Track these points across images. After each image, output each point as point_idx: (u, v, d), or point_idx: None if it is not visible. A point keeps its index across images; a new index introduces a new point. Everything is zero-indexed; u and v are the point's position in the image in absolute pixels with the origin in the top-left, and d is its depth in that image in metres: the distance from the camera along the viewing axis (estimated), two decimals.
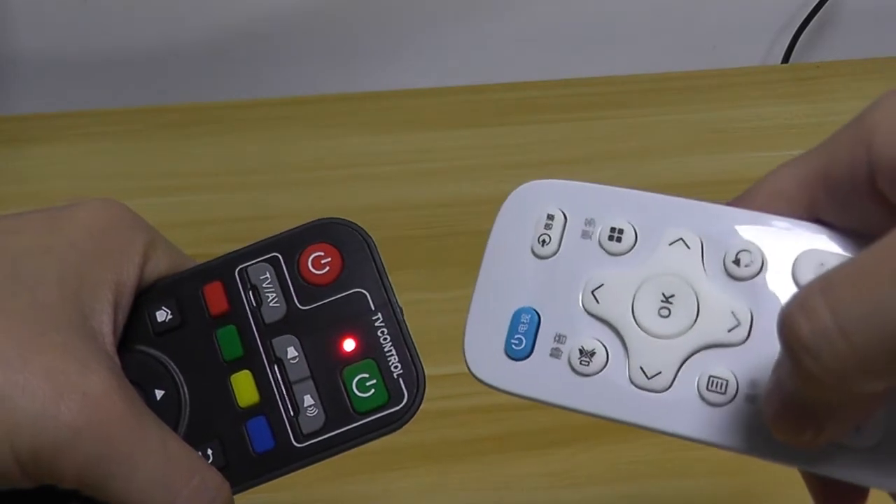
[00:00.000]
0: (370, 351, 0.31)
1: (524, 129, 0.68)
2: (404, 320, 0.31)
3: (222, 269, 0.32)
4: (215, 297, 0.31)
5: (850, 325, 0.21)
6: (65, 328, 0.28)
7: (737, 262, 0.27)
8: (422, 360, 0.31)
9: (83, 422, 0.26)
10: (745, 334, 0.27)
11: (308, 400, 0.30)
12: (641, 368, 0.27)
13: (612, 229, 0.29)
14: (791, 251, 0.27)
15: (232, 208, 0.64)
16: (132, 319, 0.31)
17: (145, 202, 0.64)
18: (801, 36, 0.76)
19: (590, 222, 0.29)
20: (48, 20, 0.73)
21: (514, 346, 0.29)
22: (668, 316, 0.28)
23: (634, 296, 0.28)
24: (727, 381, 0.27)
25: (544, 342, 0.29)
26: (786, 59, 0.77)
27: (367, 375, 0.30)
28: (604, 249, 0.29)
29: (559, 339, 0.28)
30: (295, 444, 0.30)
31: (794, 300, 0.22)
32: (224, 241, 0.62)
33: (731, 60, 0.75)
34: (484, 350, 0.29)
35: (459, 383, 0.56)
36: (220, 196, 0.64)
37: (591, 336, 0.28)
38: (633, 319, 0.28)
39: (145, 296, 0.31)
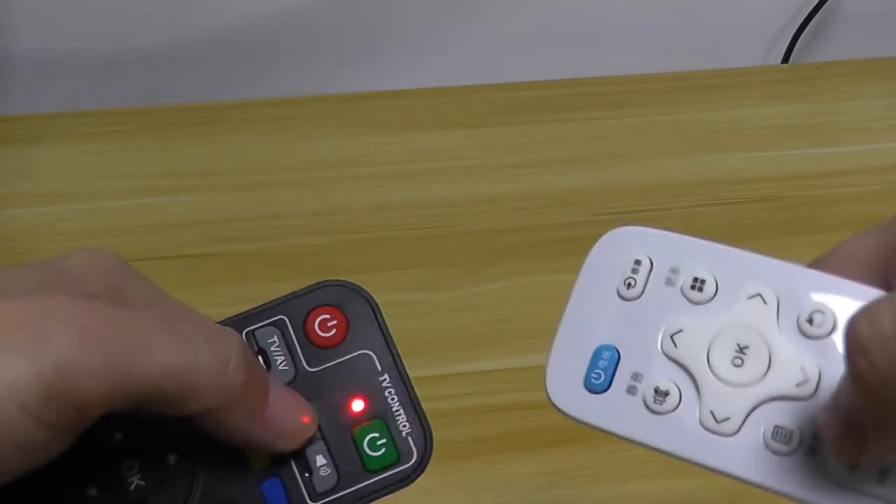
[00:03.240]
0: (379, 411, 0.32)
1: (524, 129, 0.68)
2: (410, 380, 0.32)
3: None
4: None
5: None
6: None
7: (810, 321, 0.29)
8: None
9: (80, 339, 0.25)
10: (812, 390, 0.28)
11: (320, 460, 0.31)
12: (711, 412, 0.29)
13: (695, 279, 0.30)
14: None
15: (232, 208, 0.64)
16: None
17: (145, 202, 0.65)
18: (801, 36, 0.76)
19: (674, 270, 0.31)
20: (48, 20, 0.73)
21: (593, 380, 0.30)
22: (740, 365, 0.29)
23: (711, 343, 0.29)
24: (792, 432, 0.28)
25: (622, 379, 0.30)
26: (786, 59, 0.77)
27: (377, 435, 0.31)
28: (685, 297, 0.30)
29: (636, 377, 0.30)
30: (309, 502, 0.31)
31: (865, 307, 0.24)
32: (224, 241, 0.63)
33: (731, 60, 0.75)
34: (564, 381, 0.31)
35: (459, 383, 0.56)
36: (220, 196, 0.64)
37: (667, 377, 0.30)
38: (707, 365, 0.29)
39: None
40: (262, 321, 0.32)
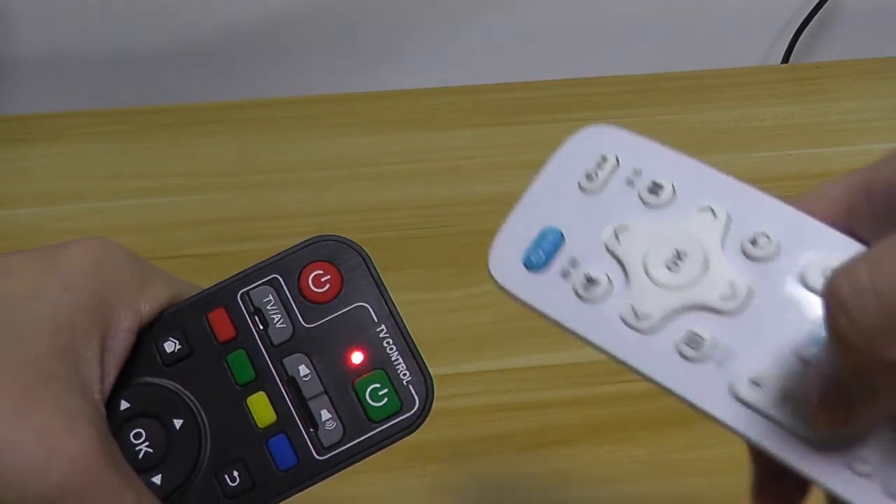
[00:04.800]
0: (378, 361, 0.32)
1: (524, 129, 0.68)
2: (407, 329, 0.32)
3: (224, 295, 0.33)
4: (221, 324, 0.32)
5: (884, 285, 0.23)
6: (55, 382, 0.28)
7: (753, 242, 0.29)
8: (427, 364, 0.32)
9: (69, 483, 0.27)
10: (736, 307, 0.29)
11: (325, 414, 0.31)
12: (633, 308, 0.29)
13: (654, 183, 0.31)
14: (808, 252, 0.29)
15: (232, 208, 0.64)
16: (140, 353, 0.32)
17: (145, 202, 0.65)
18: (801, 36, 0.76)
19: (637, 172, 0.31)
20: (48, 20, 0.73)
21: (532, 258, 0.31)
22: (674, 270, 0.30)
23: (651, 245, 0.30)
24: (704, 340, 0.29)
25: (560, 262, 0.31)
26: (786, 59, 0.77)
27: (378, 385, 0.32)
28: (641, 199, 0.31)
29: (573, 262, 0.31)
30: (317, 457, 0.31)
31: (841, 266, 0.24)
32: (224, 241, 0.63)
33: (731, 60, 0.75)
34: (507, 256, 0.31)
35: (459, 383, 0.56)
36: (219, 196, 0.64)
37: (601, 268, 0.30)
38: (642, 263, 0.30)
39: (151, 329, 0.32)
40: (256, 281, 0.33)
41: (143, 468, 0.30)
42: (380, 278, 0.33)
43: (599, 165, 0.31)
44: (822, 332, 0.26)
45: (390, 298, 0.33)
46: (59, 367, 0.28)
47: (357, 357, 0.32)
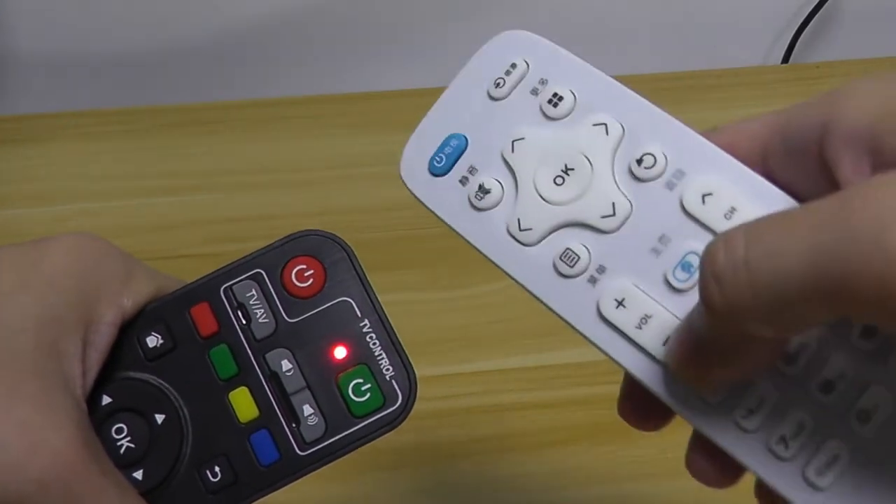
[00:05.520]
0: (361, 356, 0.32)
1: None
2: (391, 324, 0.32)
3: (207, 290, 0.33)
4: (204, 319, 0.32)
5: (755, 260, 0.23)
6: (39, 378, 0.28)
7: (640, 161, 0.29)
8: (411, 360, 0.32)
9: (51, 478, 0.27)
10: (615, 226, 0.29)
11: (307, 409, 0.31)
12: (518, 219, 0.30)
13: (554, 94, 0.31)
14: (691, 176, 0.29)
15: (232, 208, 0.64)
16: (122, 348, 0.32)
17: (145, 202, 0.65)
18: (801, 36, 0.76)
19: (543, 82, 0.31)
20: (48, 20, 0.73)
21: (435, 163, 0.32)
22: (560, 185, 0.30)
23: (543, 158, 0.30)
24: (580, 257, 0.29)
25: (460, 168, 0.31)
26: (786, 59, 0.77)
27: (361, 380, 0.32)
28: (541, 110, 0.31)
29: (471, 170, 0.31)
30: (299, 452, 0.31)
31: (721, 234, 0.24)
32: (224, 241, 0.63)
33: (731, 60, 0.75)
34: (415, 159, 0.32)
35: (459, 383, 0.56)
36: (220, 196, 0.64)
37: (494, 178, 0.31)
38: (531, 176, 0.30)
39: (134, 323, 0.32)
40: (239, 276, 0.33)
41: (125, 463, 0.31)
42: (364, 273, 0.33)
43: (508, 73, 0.32)
44: (693, 260, 0.28)
45: (374, 293, 0.32)
46: (44, 362, 0.28)
47: (340, 352, 0.32)
